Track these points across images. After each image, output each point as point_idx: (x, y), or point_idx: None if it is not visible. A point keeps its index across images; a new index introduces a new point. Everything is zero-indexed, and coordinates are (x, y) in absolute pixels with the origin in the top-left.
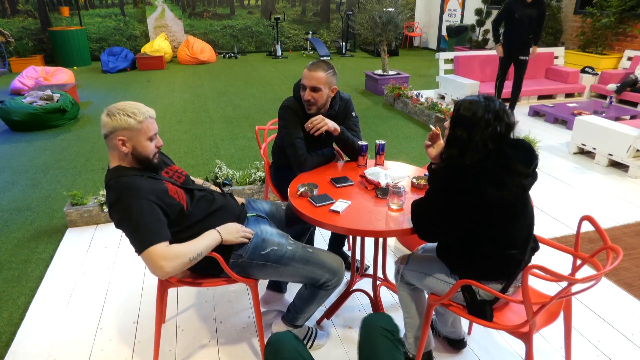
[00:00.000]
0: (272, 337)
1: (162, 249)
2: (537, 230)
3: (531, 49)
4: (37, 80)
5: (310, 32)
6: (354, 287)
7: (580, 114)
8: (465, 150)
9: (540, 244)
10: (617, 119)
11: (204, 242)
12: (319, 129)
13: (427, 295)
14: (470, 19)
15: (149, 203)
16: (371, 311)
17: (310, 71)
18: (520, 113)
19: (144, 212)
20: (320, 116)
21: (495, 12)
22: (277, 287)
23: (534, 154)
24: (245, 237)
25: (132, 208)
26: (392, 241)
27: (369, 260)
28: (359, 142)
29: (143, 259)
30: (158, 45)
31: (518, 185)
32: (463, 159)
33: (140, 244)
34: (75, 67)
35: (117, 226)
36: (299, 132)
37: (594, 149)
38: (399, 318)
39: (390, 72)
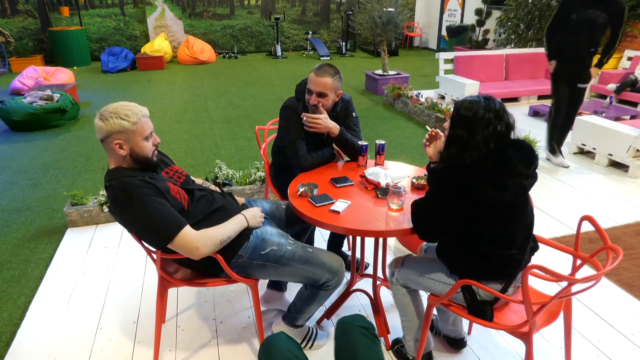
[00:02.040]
0: (265, 339)
1: (192, 233)
2: (537, 230)
3: (592, 70)
4: (37, 80)
5: (310, 32)
6: (354, 287)
7: (580, 114)
8: (466, 150)
9: (540, 244)
10: (617, 119)
11: (233, 227)
12: (313, 127)
13: (425, 296)
14: (470, 19)
15: (159, 197)
16: (371, 311)
17: (317, 76)
18: (520, 113)
19: (158, 205)
20: (323, 118)
21: (495, 13)
22: (277, 286)
23: (534, 154)
24: (261, 221)
25: (146, 203)
26: (392, 241)
27: (369, 260)
28: (359, 142)
29: (174, 247)
30: (158, 45)
31: (518, 185)
32: (463, 158)
33: (167, 234)
34: (75, 67)
35: (131, 225)
36: (299, 132)
37: (594, 149)
38: (398, 319)
39: (390, 72)
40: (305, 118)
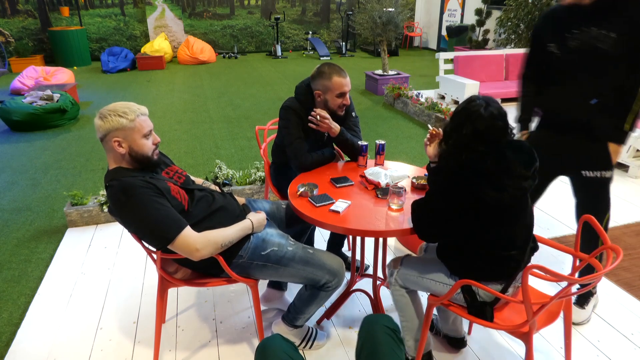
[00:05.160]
0: (260, 342)
1: (192, 234)
2: (537, 230)
3: (610, 148)
4: (37, 80)
5: (310, 32)
6: (354, 287)
7: None
8: (450, 150)
9: (540, 244)
10: None
11: (237, 231)
12: (319, 124)
13: (425, 296)
14: (470, 19)
15: (159, 197)
16: (371, 311)
17: (346, 77)
18: None
19: (158, 205)
20: (328, 120)
21: (495, 13)
22: (277, 284)
23: (534, 156)
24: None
25: (147, 204)
26: (392, 241)
27: (369, 260)
28: (359, 142)
29: (175, 248)
30: (158, 45)
31: (517, 187)
32: (447, 159)
33: (168, 235)
34: (75, 67)
35: (131, 225)
36: (299, 132)
37: None
38: (397, 319)
39: (390, 72)
40: (317, 113)
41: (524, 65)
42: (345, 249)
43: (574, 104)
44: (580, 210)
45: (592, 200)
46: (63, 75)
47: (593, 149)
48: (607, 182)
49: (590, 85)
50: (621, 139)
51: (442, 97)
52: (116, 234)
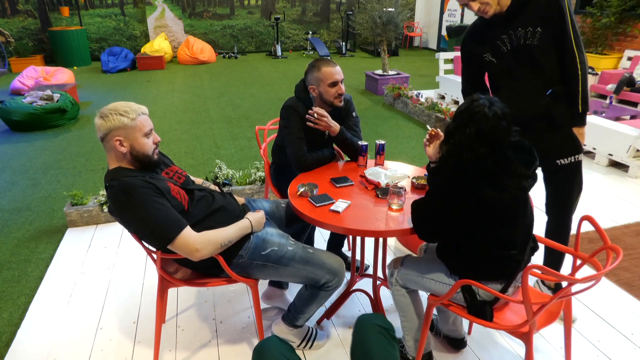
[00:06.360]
0: (257, 344)
1: (192, 234)
2: (537, 230)
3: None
4: (37, 80)
5: (310, 32)
6: (354, 287)
7: None
8: (451, 149)
9: (540, 244)
10: (617, 119)
11: (236, 231)
12: (318, 123)
13: (425, 296)
14: (470, 19)
15: (159, 198)
16: (371, 311)
17: (334, 67)
18: None
19: (158, 205)
20: (327, 118)
21: None
22: (278, 283)
23: (534, 155)
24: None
25: (147, 204)
26: (392, 241)
27: (369, 260)
28: (359, 142)
29: (174, 248)
30: (158, 45)
31: (518, 186)
32: (448, 159)
33: (168, 235)
34: (75, 67)
35: (131, 225)
36: (300, 132)
37: (594, 149)
38: (397, 319)
39: (390, 72)
40: (315, 111)
41: (463, 83)
42: (345, 249)
43: (532, 100)
44: (557, 198)
45: (569, 185)
46: (63, 75)
47: (561, 138)
48: (580, 164)
49: (539, 79)
50: (581, 122)
51: (442, 97)
52: (116, 234)
